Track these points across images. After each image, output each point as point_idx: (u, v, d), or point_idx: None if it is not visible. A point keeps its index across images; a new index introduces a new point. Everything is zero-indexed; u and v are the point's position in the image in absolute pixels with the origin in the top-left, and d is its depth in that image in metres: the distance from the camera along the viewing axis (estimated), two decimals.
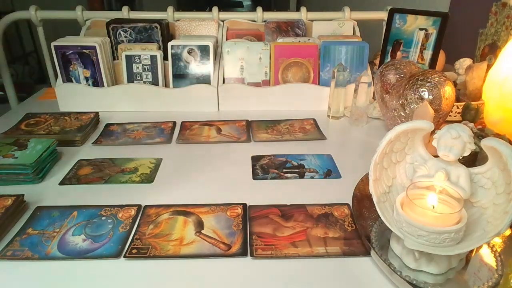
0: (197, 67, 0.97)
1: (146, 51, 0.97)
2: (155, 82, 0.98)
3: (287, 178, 0.68)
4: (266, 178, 0.68)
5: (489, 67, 0.78)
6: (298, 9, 1.14)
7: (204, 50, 0.97)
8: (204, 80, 0.98)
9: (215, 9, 1.12)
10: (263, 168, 0.71)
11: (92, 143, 0.81)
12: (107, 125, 0.89)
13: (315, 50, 0.97)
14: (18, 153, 0.66)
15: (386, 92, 0.81)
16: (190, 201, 0.60)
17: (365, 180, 0.62)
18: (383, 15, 1.11)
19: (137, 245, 0.51)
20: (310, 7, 1.20)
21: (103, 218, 0.56)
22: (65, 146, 0.78)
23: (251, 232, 0.53)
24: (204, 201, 0.60)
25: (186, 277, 0.46)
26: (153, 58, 0.96)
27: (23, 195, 0.59)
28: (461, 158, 0.43)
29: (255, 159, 0.74)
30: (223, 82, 0.98)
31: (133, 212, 0.58)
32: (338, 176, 0.68)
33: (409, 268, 0.44)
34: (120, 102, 0.96)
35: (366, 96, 0.87)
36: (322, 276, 0.46)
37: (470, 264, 0.45)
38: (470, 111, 0.81)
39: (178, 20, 1.10)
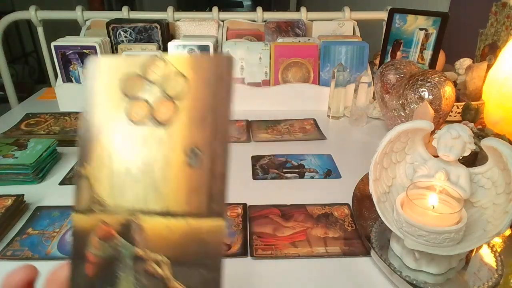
0: None
1: (146, 51, 0.97)
2: None
3: (287, 178, 0.68)
4: (266, 178, 0.68)
5: (489, 67, 0.78)
6: (298, 9, 1.14)
7: (204, 50, 0.97)
8: None
9: (215, 9, 1.12)
10: (263, 168, 0.71)
11: None
12: None
13: (315, 50, 0.97)
14: (18, 153, 0.66)
15: (386, 92, 0.81)
16: None
17: (365, 180, 0.62)
18: (383, 15, 1.11)
19: None
20: (310, 7, 1.20)
21: None
22: (65, 146, 0.77)
23: (251, 232, 0.53)
24: None
25: None
26: None
27: (23, 195, 0.59)
28: (461, 158, 0.43)
29: (255, 159, 0.74)
30: None
31: None
32: (338, 176, 0.68)
33: (409, 268, 0.44)
34: None
35: (366, 96, 0.87)
36: (322, 276, 0.46)
37: (470, 264, 0.45)
38: (470, 111, 0.81)
39: (178, 20, 1.10)
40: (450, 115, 0.84)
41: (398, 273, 0.43)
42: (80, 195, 0.22)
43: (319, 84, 0.99)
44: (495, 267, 0.44)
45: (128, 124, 0.21)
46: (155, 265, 0.21)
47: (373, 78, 0.92)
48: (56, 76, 1.00)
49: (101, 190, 0.22)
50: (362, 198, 0.57)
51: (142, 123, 0.21)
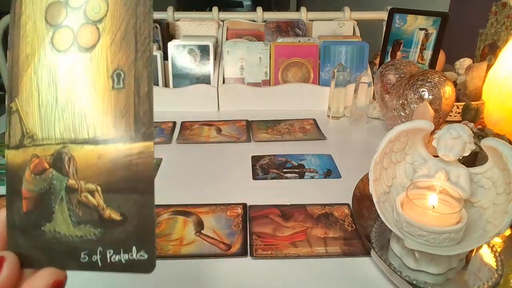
0: (197, 67, 0.97)
1: None
2: (155, 82, 0.98)
3: (287, 178, 0.68)
4: (266, 178, 0.68)
5: (489, 67, 0.78)
6: (298, 9, 1.14)
7: (204, 50, 0.97)
8: (204, 80, 0.98)
9: (215, 9, 1.12)
10: (263, 168, 0.71)
11: None
12: None
13: (315, 50, 0.97)
14: None
15: (386, 92, 0.81)
16: (190, 201, 0.60)
17: (365, 180, 0.62)
18: (383, 15, 1.11)
19: None
20: (310, 7, 1.20)
21: None
22: None
23: (251, 232, 0.53)
24: (204, 201, 0.60)
25: (186, 277, 0.46)
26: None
27: None
28: (461, 158, 0.43)
29: (255, 159, 0.74)
30: (223, 82, 0.98)
31: None
32: (338, 176, 0.68)
33: (409, 268, 0.44)
34: None
35: (366, 96, 0.87)
36: (322, 276, 0.46)
37: (470, 264, 0.45)
38: (470, 111, 0.81)
39: (178, 20, 1.11)
40: (450, 115, 0.84)
41: (398, 273, 0.43)
42: (12, 131, 0.22)
43: (319, 84, 0.99)
44: (495, 267, 0.44)
45: (54, 54, 0.21)
46: (88, 195, 0.21)
47: (373, 78, 0.92)
48: None
49: (31, 123, 0.22)
50: (362, 198, 0.57)
51: (68, 50, 0.21)
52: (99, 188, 0.21)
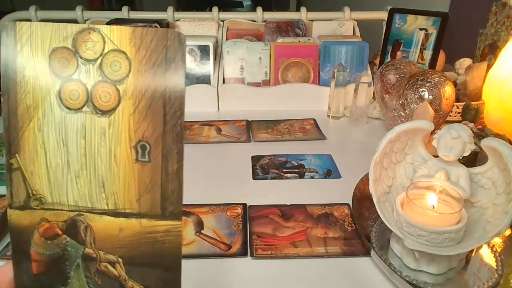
0: (197, 67, 0.97)
1: None
2: None
3: (287, 178, 0.68)
4: (266, 178, 0.68)
5: (489, 67, 0.78)
6: (298, 9, 1.14)
7: (204, 50, 0.97)
8: (204, 80, 0.98)
9: (215, 9, 1.12)
10: (263, 168, 0.71)
11: None
12: None
13: (315, 50, 0.97)
14: None
15: (386, 92, 0.81)
16: (190, 201, 0.60)
17: (365, 180, 0.62)
18: (383, 15, 1.11)
19: None
20: (310, 7, 1.20)
21: None
22: None
23: (251, 232, 0.53)
24: (204, 201, 0.60)
25: (186, 277, 0.46)
26: None
27: None
28: (461, 158, 0.43)
29: (255, 159, 0.74)
30: (223, 82, 0.98)
31: None
32: (338, 176, 0.68)
33: (409, 268, 0.44)
34: None
35: (366, 96, 0.87)
36: (322, 276, 0.46)
37: (470, 264, 0.45)
38: (470, 111, 0.81)
39: (178, 20, 1.11)
40: (450, 115, 0.84)
41: (398, 273, 0.43)
42: (14, 189, 0.20)
43: (319, 84, 0.99)
44: (495, 267, 0.44)
45: (63, 111, 0.19)
46: (109, 265, 0.20)
47: (373, 78, 0.92)
48: None
49: (38, 184, 0.20)
50: (362, 198, 0.57)
51: (80, 110, 0.18)
52: (120, 260, 0.19)
